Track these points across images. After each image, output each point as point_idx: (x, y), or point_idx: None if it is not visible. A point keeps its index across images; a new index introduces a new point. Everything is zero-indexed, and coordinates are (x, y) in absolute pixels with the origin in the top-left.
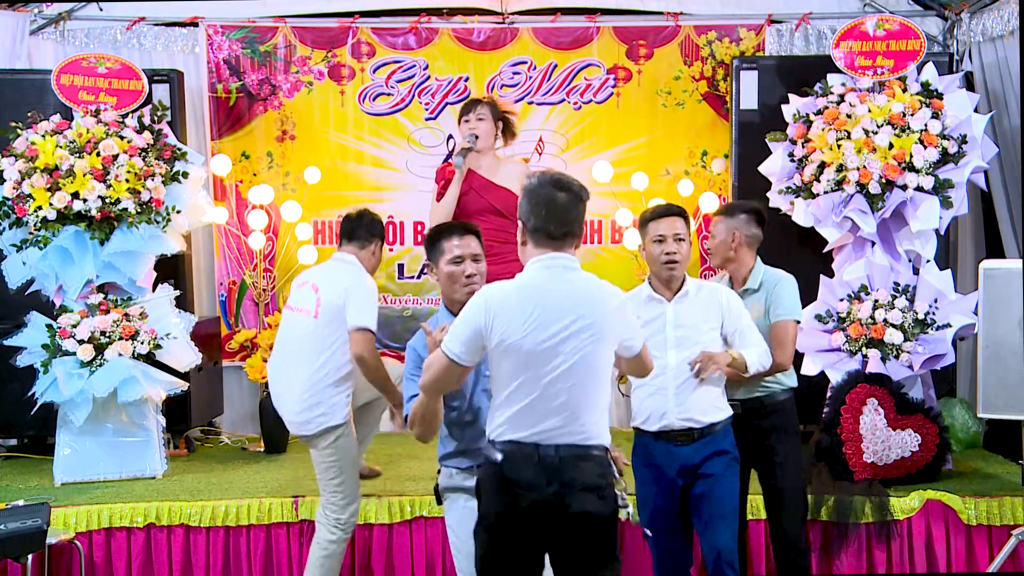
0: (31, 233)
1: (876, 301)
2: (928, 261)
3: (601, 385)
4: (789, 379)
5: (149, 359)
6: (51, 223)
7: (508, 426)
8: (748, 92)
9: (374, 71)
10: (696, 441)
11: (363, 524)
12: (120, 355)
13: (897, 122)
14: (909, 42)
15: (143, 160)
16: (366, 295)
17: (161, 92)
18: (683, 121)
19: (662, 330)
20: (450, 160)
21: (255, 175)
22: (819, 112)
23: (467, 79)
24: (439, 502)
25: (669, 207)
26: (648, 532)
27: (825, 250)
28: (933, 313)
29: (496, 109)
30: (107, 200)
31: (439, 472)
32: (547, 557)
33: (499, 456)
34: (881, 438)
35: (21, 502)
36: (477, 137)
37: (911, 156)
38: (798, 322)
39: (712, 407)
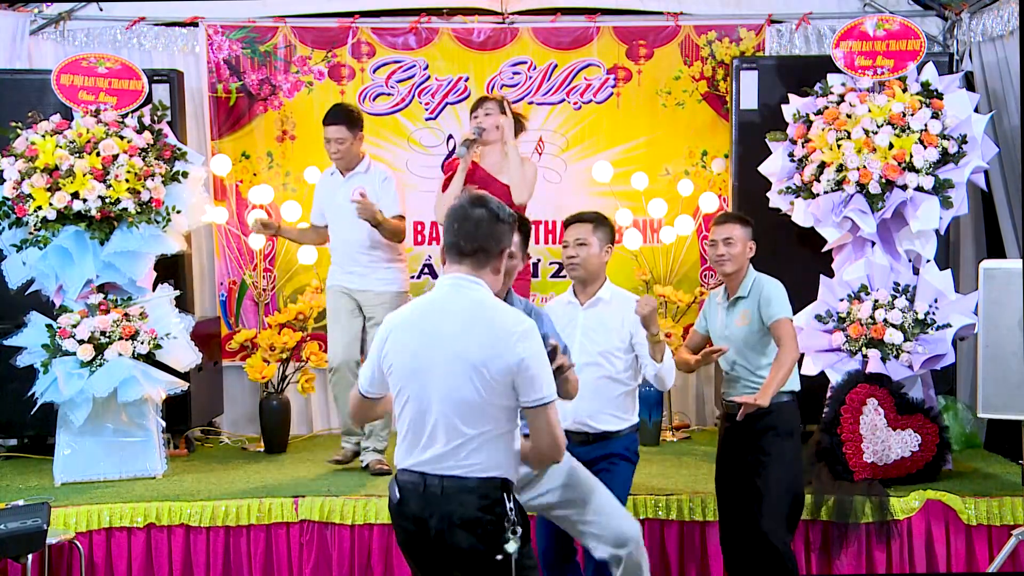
0: (31, 233)
1: (876, 301)
2: (928, 261)
3: (486, 416)
4: (791, 383)
5: (149, 359)
6: (51, 223)
7: (400, 453)
8: (748, 92)
9: (374, 71)
10: (591, 443)
11: (363, 524)
12: (120, 355)
13: (897, 122)
14: (909, 42)
15: (143, 160)
16: None
17: (161, 92)
18: (683, 121)
19: (572, 334)
20: (455, 156)
21: (255, 175)
22: (819, 112)
23: (467, 79)
24: None
25: (581, 215)
26: None
27: (824, 249)
28: (933, 313)
29: (504, 106)
30: (107, 200)
31: None
32: None
33: (396, 485)
34: (881, 438)
35: (21, 502)
36: (483, 130)
37: (911, 156)
38: (791, 320)
39: (611, 416)
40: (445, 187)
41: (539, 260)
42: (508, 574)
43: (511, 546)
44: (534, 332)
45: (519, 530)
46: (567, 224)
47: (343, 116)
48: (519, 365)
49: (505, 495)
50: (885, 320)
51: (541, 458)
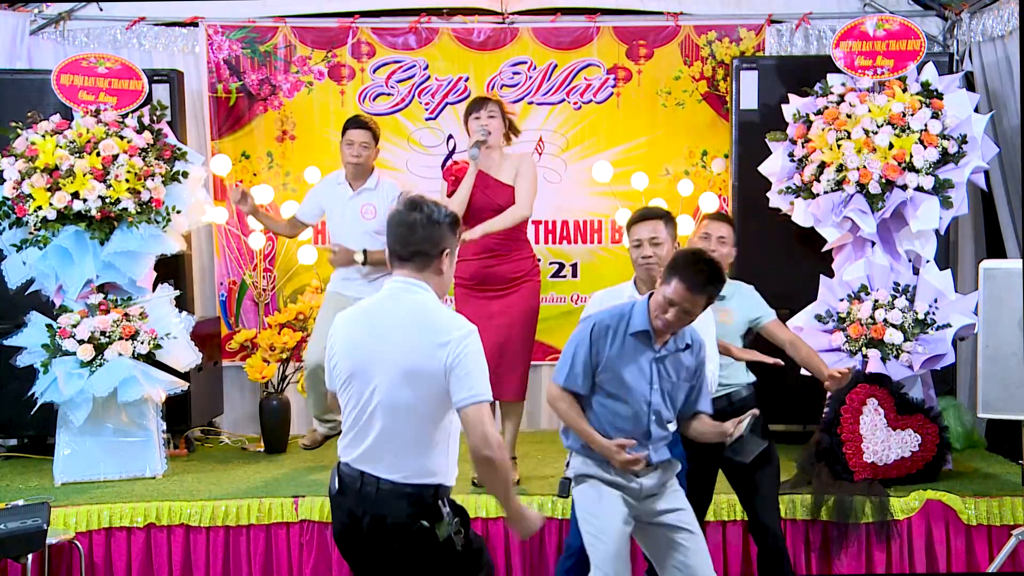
0: (31, 233)
1: (876, 301)
2: (928, 261)
3: (423, 421)
4: (748, 376)
5: (149, 359)
6: (51, 223)
7: (343, 445)
8: (748, 92)
9: (374, 71)
10: None
11: None
12: (120, 355)
13: (897, 122)
14: (909, 42)
15: (143, 160)
16: None
17: (161, 92)
18: (683, 121)
19: None
20: (455, 159)
21: (255, 175)
22: (819, 112)
23: (467, 79)
24: (565, 495)
25: (652, 210)
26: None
27: (824, 249)
28: (933, 313)
29: (503, 109)
30: (107, 200)
31: (567, 464)
32: None
33: (336, 476)
34: (881, 438)
35: (21, 502)
36: (490, 133)
37: (911, 156)
38: None
39: None
40: (450, 193)
41: (539, 260)
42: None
43: (447, 533)
44: (469, 336)
45: (462, 530)
46: (638, 221)
47: (369, 124)
48: (450, 369)
49: (440, 501)
50: (885, 320)
51: (474, 456)
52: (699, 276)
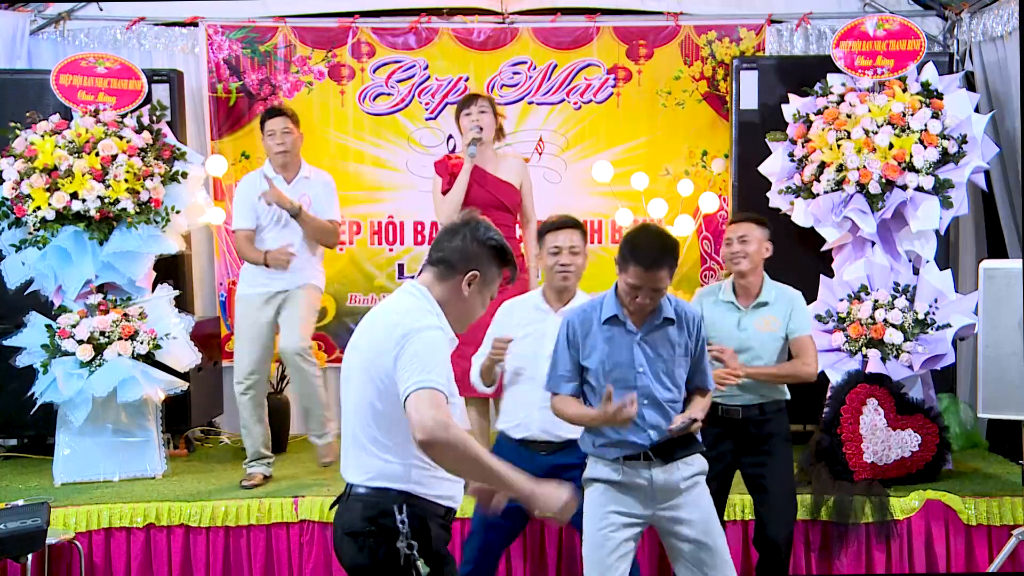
0: (30, 233)
1: (876, 301)
2: (928, 261)
3: (387, 423)
4: (783, 392)
5: (149, 359)
6: (50, 223)
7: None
8: (748, 92)
9: (374, 71)
10: (557, 451)
11: None
12: (120, 355)
13: (897, 122)
14: (909, 42)
15: (142, 160)
16: None
17: (161, 92)
18: (683, 121)
19: (539, 341)
20: (449, 154)
21: None
22: (819, 112)
23: (467, 79)
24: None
25: (568, 219)
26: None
27: (824, 249)
28: (933, 313)
29: (494, 105)
30: (106, 200)
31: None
32: None
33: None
34: (881, 438)
35: (21, 502)
36: (483, 128)
37: (911, 156)
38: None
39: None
40: (445, 188)
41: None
42: None
43: (422, 567)
44: (425, 331)
45: (415, 544)
46: (551, 229)
47: (285, 110)
48: (396, 362)
49: (397, 507)
50: (885, 320)
51: (418, 447)
52: (650, 252)
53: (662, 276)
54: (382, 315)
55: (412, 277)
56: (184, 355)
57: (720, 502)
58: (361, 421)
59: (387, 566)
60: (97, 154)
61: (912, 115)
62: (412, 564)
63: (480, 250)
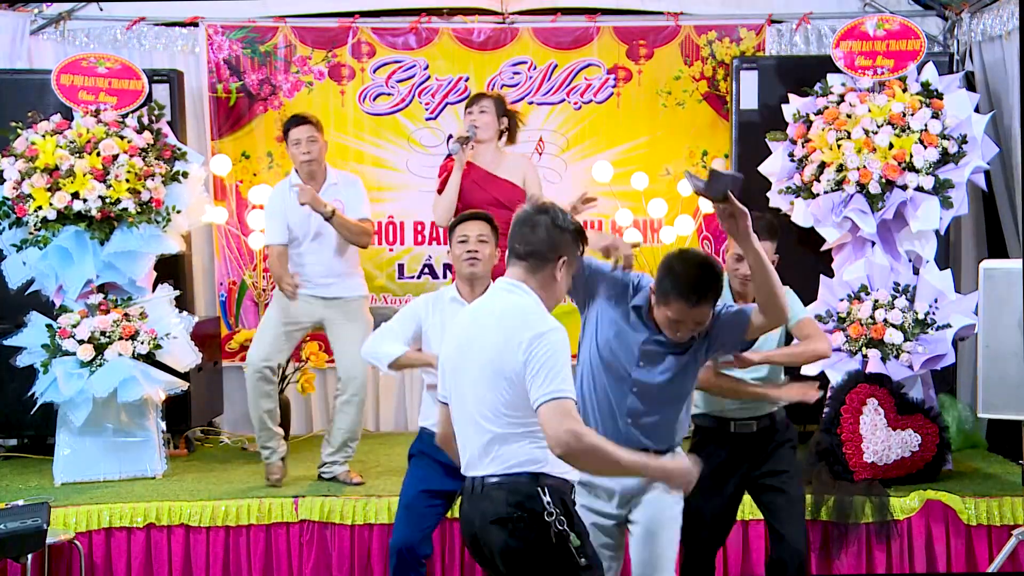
0: (31, 233)
1: (876, 301)
2: (928, 261)
3: (511, 415)
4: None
5: (149, 359)
6: (51, 223)
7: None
8: (748, 92)
9: (374, 71)
10: None
11: (363, 524)
12: (120, 355)
13: (897, 122)
14: (909, 42)
15: (143, 160)
16: None
17: (161, 92)
18: (683, 121)
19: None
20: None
21: (255, 175)
22: (819, 112)
23: (467, 79)
24: None
25: (477, 213)
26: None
27: (824, 249)
28: (933, 313)
29: (501, 105)
30: (107, 200)
31: None
32: None
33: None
34: (881, 438)
35: (21, 502)
36: (477, 128)
37: (911, 156)
38: None
39: None
40: (441, 189)
41: None
42: (554, 565)
43: (574, 540)
44: (548, 334)
45: (564, 520)
46: (460, 222)
47: (309, 118)
48: (524, 367)
49: (541, 489)
50: (885, 320)
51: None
52: (694, 286)
53: (706, 312)
54: (499, 316)
55: (412, 277)
56: (184, 355)
57: (729, 521)
58: (490, 415)
59: (540, 545)
60: (98, 154)
61: (912, 115)
62: (566, 539)
63: (563, 236)
